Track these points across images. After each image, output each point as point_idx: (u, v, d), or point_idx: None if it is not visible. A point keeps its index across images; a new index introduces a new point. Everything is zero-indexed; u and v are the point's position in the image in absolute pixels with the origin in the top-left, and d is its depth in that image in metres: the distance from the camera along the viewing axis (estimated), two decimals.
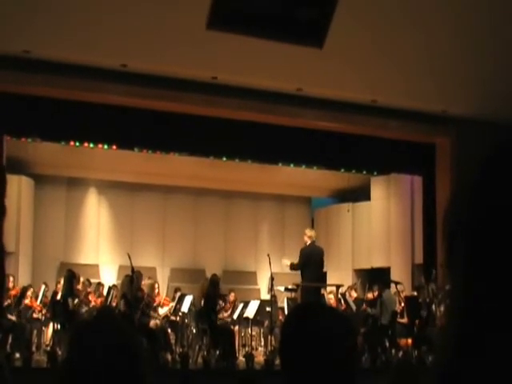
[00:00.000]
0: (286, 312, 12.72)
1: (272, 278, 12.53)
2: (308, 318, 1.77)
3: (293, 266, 12.64)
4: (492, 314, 0.79)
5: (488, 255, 0.79)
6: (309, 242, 12.82)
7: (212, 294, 12.33)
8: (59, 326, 11.63)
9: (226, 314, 13.85)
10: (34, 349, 12.05)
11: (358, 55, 12.86)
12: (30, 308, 12.55)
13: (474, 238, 0.81)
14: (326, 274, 17.45)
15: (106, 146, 14.80)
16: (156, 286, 13.98)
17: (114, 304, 12.45)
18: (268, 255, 12.31)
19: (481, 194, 0.82)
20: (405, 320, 13.04)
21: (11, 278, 13.09)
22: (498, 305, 0.78)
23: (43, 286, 13.32)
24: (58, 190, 17.78)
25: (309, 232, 13.13)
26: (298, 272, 12.80)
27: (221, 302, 13.30)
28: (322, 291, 14.03)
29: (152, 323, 11.95)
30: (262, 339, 14.39)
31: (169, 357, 11.63)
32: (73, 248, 17.83)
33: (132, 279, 11.63)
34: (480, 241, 0.80)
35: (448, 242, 0.85)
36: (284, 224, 19.94)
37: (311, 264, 12.47)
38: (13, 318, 11.86)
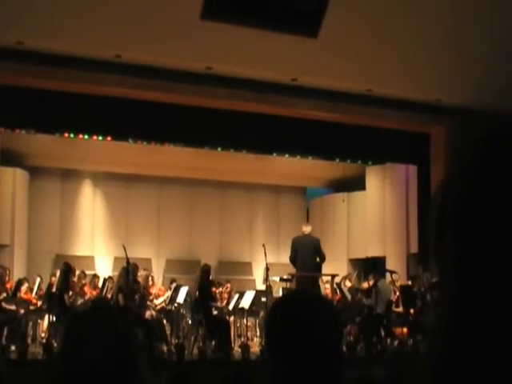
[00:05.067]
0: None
1: (267, 269, 12.55)
2: (293, 306, 1.77)
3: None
4: (484, 302, 0.78)
5: (480, 241, 0.79)
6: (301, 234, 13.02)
7: (205, 284, 12.34)
8: (55, 319, 11.63)
9: (221, 304, 13.86)
10: (29, 341, 12.04)
11: (353, 45, 12.84)
12: (25, 301, 12.54)
13: (466, 224, 0.80)
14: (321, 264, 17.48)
15: (100, 138, 14.79)
16: (151, 278, 13.97)
17: (109, 296, 12.46)
18: (263, 245, 12.34)
19: (471, 179, 0.81)
20: (400, 309, 13.08)
21: (7, 271, 13.09)
22: (490, 292, 0.78)
23: (38, 279, 13.31)
24: (53, 182, 17.76)
25: (303, 227, 13.27)
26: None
27: (214, 289, 13.30)
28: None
29: (147, 314, 11.96)
30: (258, 329, 14.41)
31: (164, 348, 11.65)
32: (68, 240, 17.82)
33: (128, 271, 11.63)
34: (472, 227, 0.80)
35: (436, 230, 0.85)
36: (279, 214, 19.96)
37: (300, 254, 12.59)
38: (12, 307, 11.86)
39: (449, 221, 0.82)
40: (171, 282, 14.32)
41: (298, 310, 1.74)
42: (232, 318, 13.53)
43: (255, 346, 12.61)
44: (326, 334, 1.71)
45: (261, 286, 16.50)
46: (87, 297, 13.09)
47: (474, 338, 0.78)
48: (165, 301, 13.32)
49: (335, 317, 1.78)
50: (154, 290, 13.89)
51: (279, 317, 1.77)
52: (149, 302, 12.73)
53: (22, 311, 12.05)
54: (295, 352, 1.68)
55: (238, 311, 13.39)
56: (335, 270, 14.42)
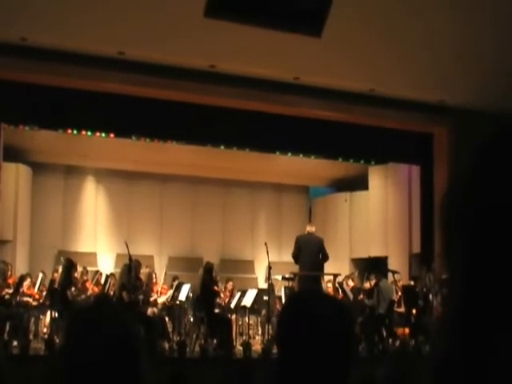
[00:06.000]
0: (284, 301, 12.74)
1: (269, 267, 12.54)
2: (304, 305, 1.77)
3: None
4: (493, 302, 0.78)
5: (487, 243, 0.79)
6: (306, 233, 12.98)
7: (208, 282, 12.34)
8: (57, 314, 11.64)
9: (223, 302, 13.85)
10: (31, 337, 12.05)
11: (356, 44, 12.83)
12: (27, 296, 12.56)
13: (473, 227, 0.80)
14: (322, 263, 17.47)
15: (103, 134, 14.79)
16: (154, 276, 13.95)
17: (111, 292, 12.47)
18: (265, 244, 12.32)
19: (478, 182, 0.81)
20: (402, 309, 13.07)
21: (10, 267, 13.09)
22: (499, 293, 0.78)
23: (41, 274, 13.32)
24: (56, 178, 17.77)
25: (308, 227, 13.27)
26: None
27: (216, 288, 13.32)
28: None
29: (150, 311, 11.97)
30: (260, 328, 14.41)
31: (166, 345, 11.65)
32: (70, 236, 17.83)
33: (130, 268, 11.64)
34: (478, 230, 0.80)
35: (445, 232, 0.85)
36: (281, 213, 19.95)
37: (304, 252, 12.54)
38: (15, 302, 11.88)
39: (455, 222, 0.82)
40: (173, 280, 14.32)
41: (308, 310, 1.74)
42: (234, 316, 13.53)
43: (257, 345, 12.60)
44: (336, 334, 1.71)
45: (263, 285, 16.50)
46: (89, 293, 13.10)
47: (478, 338, 0.78)
48: (167, 299, 13.33)
49: (346, 316, 1.78)
50: (156, 288, 13.88)
51: (289, 317, 1.77)
52: (151, 299, 12.73)
53: (25, 307, 12.06)
54: (305, 352, 1.68)
55: (240, 309, 13.39)
56: (337, 270, 14.41)
